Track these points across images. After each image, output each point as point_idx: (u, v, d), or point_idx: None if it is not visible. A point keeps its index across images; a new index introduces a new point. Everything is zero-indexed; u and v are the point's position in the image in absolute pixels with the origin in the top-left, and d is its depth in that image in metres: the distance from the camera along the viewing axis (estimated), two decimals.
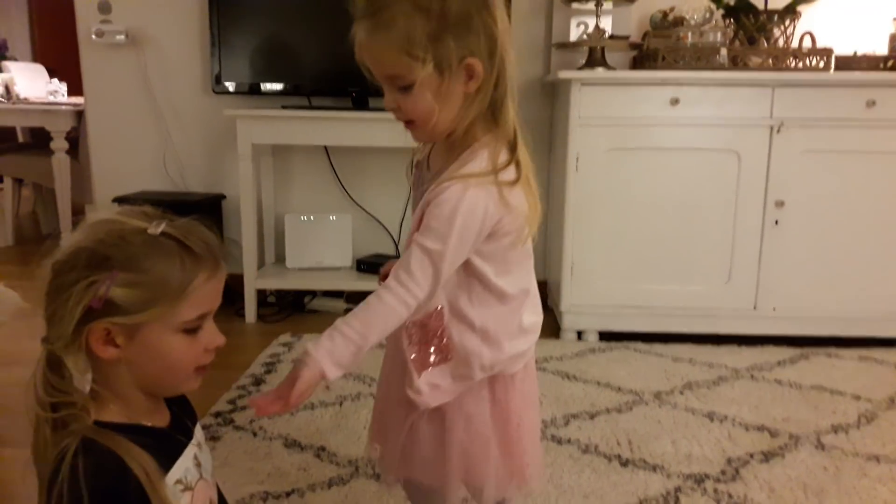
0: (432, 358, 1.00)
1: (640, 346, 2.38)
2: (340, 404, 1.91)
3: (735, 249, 2.37)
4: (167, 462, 0.80)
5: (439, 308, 0.99)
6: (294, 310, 2.77)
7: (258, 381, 2.04)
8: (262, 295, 2.77)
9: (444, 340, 0.99)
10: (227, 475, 1.54)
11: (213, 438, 1.71)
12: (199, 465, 0.87)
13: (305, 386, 0.86)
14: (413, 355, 1.00)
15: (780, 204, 2.32)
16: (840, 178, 2.32)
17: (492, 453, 1.02)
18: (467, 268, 0.97)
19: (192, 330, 0.80)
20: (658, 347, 2.36)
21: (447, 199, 0.90)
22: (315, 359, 0.87)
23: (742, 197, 2.34)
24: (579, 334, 2.47)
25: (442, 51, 0.88)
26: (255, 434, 1.74)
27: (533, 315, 1.05)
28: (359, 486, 1.51)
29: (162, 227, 0.77)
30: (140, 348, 0.77)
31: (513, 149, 0.95)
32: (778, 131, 2.29)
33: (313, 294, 2.81)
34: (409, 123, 0.97)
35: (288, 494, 1.48)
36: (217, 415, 1.83)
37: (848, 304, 2.38)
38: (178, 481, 0.82)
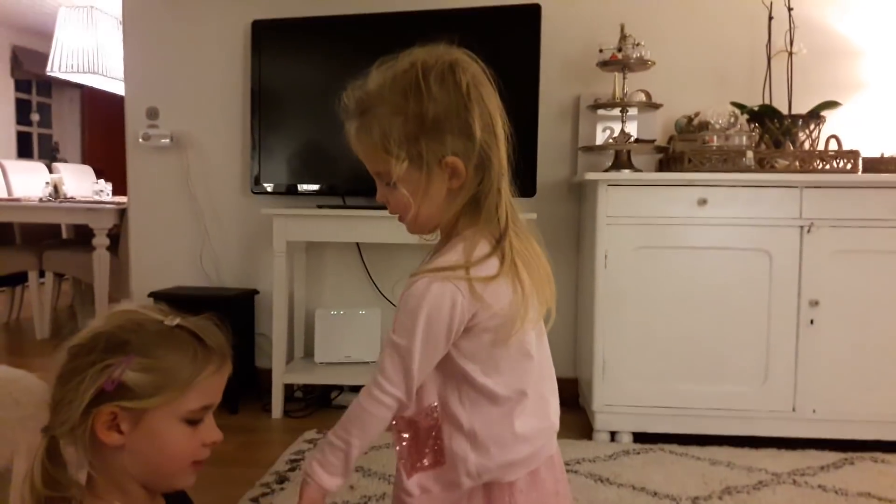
0: (426, 460, 0.98)
1: (676, 448, 2.30)
2: None
3: (770, 349, 2.32)
4: None
5: (434, 406, 0.97)
6: (320, 405, 2.75)
7: (282, 479, 2.00)
8: (289, 390, 2.76)
9: (438, 442, 0.97)
10: None
11: None
12: None
13: (308, 503, 0.92)
14: (402, 454, 0.99)
15: (814, 303, 2.29)
16: (873, 277, 2.29)
17: None
18: (452, 366, 0.95)
19: (193, 422, 0.82)
20: (694, 450, 2.28)
21: (412, 293, 0.93)
22: (310, 475, 0.93)
23: (775, 296, 2.32)
24: (612, 435, 2.40)
25: (417, 150, 0.93)
26: None
27: (533, 420, 0.98)
28: None
29: (177, 321, 0.82)
30: (142, 435, 0.79)
31: (498, 241, 0.95)
32: (808, 231, 2.29)
33: (340, 389, 2.79)
34: (398, 217, 1.01)
35: None
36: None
37: (891, 405, 2.29)
38: None
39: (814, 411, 2.31)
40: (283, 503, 1.84)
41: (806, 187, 2.29)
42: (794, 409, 2.31)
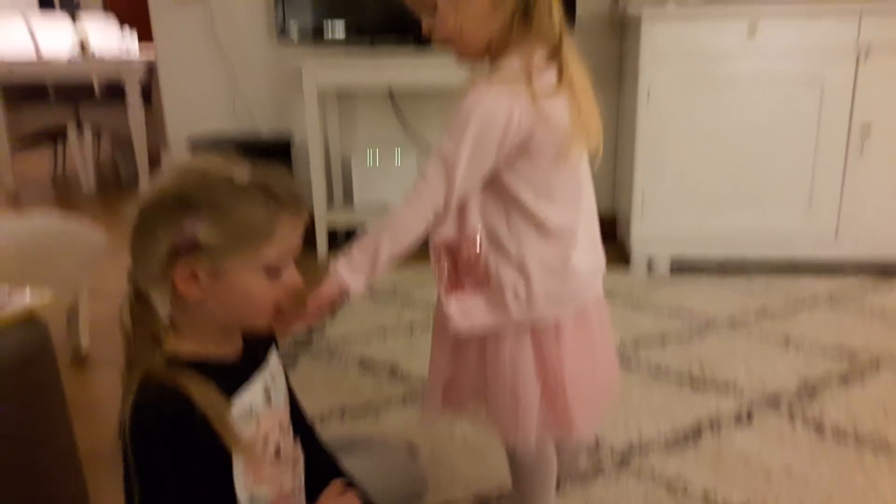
0: (467, 286, 0.97)
1: (714, 274, 2.33)
2: (411, 331, 1.95)
3: (816, 178, 2.28)
4: (234, 391, 0.82)
5: (477, 234, 0.94)
6: None
7: (333, 310, 2.10)
8: (331, 234, 2.83)
9: (481, 269, 0.95)
10: (305, 395, 1.59)
11: (290, 360, 1.78)
12: (268, 395, 0.89)
13: (325, 295, 0.90)
14: (442, 279, 0.98)
15: (866, 130, 2.21)
16: None
17: (535, 402, 0.98)
18: (504, 189, 0.92)
19: (273, 270, 0.81)
20: (732, 277, 2.31)
21: (467, 102, 0.88)
22: (335, 271, 0.91)
23: (824, 126, 2.24)
24: (649, 265, 2.44)
25: None
26: (331, 356, 1.80)
27: (584, 256, 0.96)
28: None
29: (245, 175, 0.79)
30: (223, 287, 0.79)
31: (554, 52, 0.89)
32: (865, 57, 2.17)
33: None
34: (446, 45, 0.95)
35: (364, 410, 1.53)
36: (295, 343, 1.90)
37: None
38: (244, 412, 0.83)
39: (856, 237, 2.29)
40: (335, 330, 1.95)
41: (865, 13, 2.13)
42: (836, 235, 2.30)
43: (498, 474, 1.28)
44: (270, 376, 0.90)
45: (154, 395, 0.76)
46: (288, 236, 0.80)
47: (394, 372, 1.71)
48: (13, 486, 1.06)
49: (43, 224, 1.90)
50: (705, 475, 1.28)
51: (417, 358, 1.78)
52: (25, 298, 1.15)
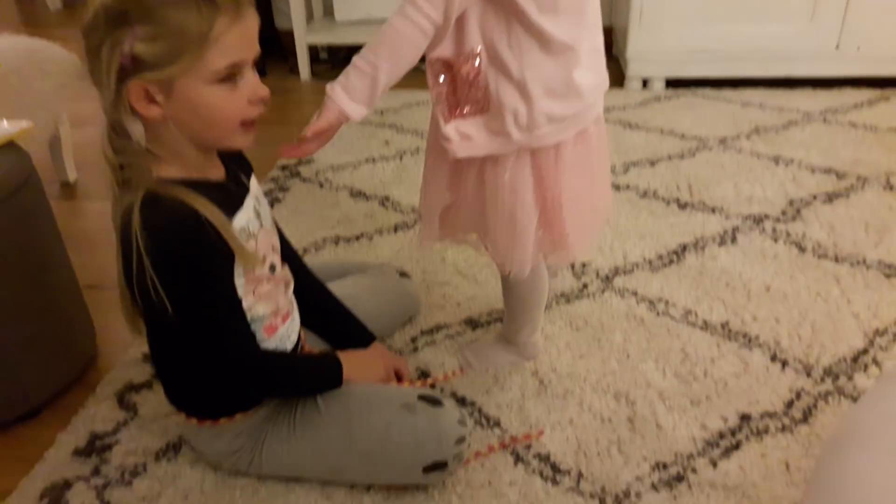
0: (466, 108, 0.93)
1: (709, 92, 2.28)
2: (401, 158, 1.93)
3: None
4: (229, 212, 0.84)
5: (477, 52, 0.89)
6: (346, 65, 2.71)
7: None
8: (313, 52, 2.71)
9: (481, 89, 0.91)
10: (298, 222, 1.63)
11: (281, 189, 1.78)
12: (258, 215, 0.91)
13: (324, 123, 0.86)
14: (440, 99, 0.94)
15: None
16: None
17: (533, 225, 0.99)
18: (506, 2, 0.85)
19: (227, 80, 0.78)
20: (728, 93, 2.26)
21: None
22: (331, 98, 0.86)
23: None
24: (644, 83, 2.37)
25: None
26: (321, 185, 1.80)
27: (588, 74, 0.92)
28: None
29: None
30: (180, 103, 0.78)
31: None
32: None
33: None
34: None
35: (357, 238, 1.56)
36: (284, 168, 1.89)
37: None
38: (242, 229, 0.86)
39: (858, 48, 2.21)
40: (324, 158, 1.93)
41: None
42: (837, 47, 2.21)
43: (488, 298, 1.34)
44: (256, 200, 0.93)
45: (163, 209, 0.78)
46: (233, 41, 0.77)
47: (384, 201, 1.71)
48: (21, 315, 1.10)
49: (11, 47, 1.80)
50: (687, 293, 1.33)
51: (408, 186, 1.78)
52: (3, 127, 1.12)
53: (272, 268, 0.92)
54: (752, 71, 2.27)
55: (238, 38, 0.78)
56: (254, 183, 0.95)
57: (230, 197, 0.86)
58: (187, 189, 0.80)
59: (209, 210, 0.79)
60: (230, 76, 0.79)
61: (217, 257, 0.81)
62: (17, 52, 1.77)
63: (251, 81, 0.81)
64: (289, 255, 1.03)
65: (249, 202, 0.89)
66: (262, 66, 2.62)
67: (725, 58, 2.27)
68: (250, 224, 0.88)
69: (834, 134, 1.95)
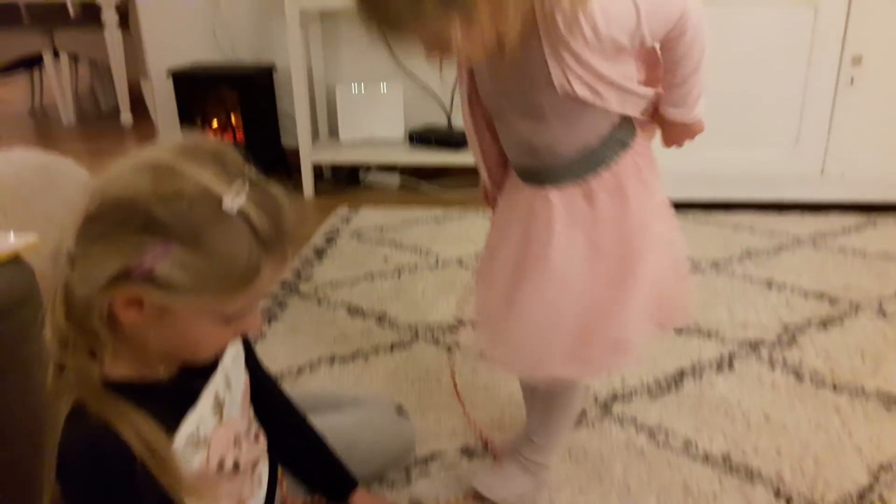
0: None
1: (700, 215, 2.34)
2: (399, 275, 1.96)
3: (805, 110, 2.24)
4: (178, 415, 0.74)
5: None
6: (350, 183, 2.80)
7: (320, 253, 2.10)
8: (317, 169, 2.79)
9: None
10: (294, 340, 1.63)
11: (280, 305, 1.79)
12: (219, 408, 0.80)
13: (695, 134, 1.08)
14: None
15: (857, 60, 2.17)
16: None
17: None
18: None
19: (234, 317, 0.70)
20: (718, 216, 2.32)
21: None
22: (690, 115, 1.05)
23: (816, 54, 2.19)
24: None
25: None
26: (319, 302, 1.82)
27: None
28: (419, 350, 1.58)
29: (240, 202, 0.65)
30: (167, 324, 0.68)
31: None
32: None
33: (368, 168, 2.82)
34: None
35: (353, 357, 1.56)
36: (283, 283, 1.91)
37: None
38: (191, 438, 0.74)
39: (842, 174, 2.29)
40: (323, 274, 1.96)
41: None
42: (822, 172, 2.30)
43: (484, 425, 1.32)
44: (224, 380, 0.81)
45: (86, 435, 0.66)
46: (265, 284, 0.69)
47: (382, 318, 1.72)
48: (11, 430, 1.07)
49: (23, 160, 1.85)
50: (686, 422, 1.32)
51: (405, 303, 1.79)
52: (10, 240, 1.14)
53: (235, 464, 0.81)
54: (740, 194, 2.34)
55: (270, 283, 0.70)
56: (228, 357, 0.83)
57: (183, 394, 0.75)
58: (126, 404, 0.68)
59: (144, 443, 0.67)
60: (237, 316, 0.70)
61: (133, 498, 0.68)
62: (28, 166, 1.81)
63: (254, 316, 0.73)
64: (267, 393, 0.96)
65: (209, 394, 0.78)
66: None
67: (714, 181, 2.34)
68: (202, 426, 0.76)
69: (824, 258, 1.99)
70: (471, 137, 1.06)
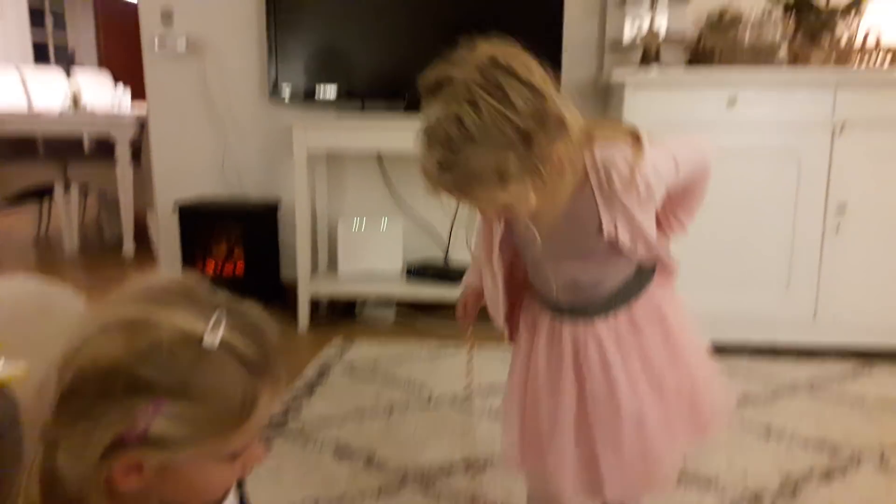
0: None
1: None
2: (390, 413, 1.92)
3: (794, 256, 2.29)
4: None
5: None
6: (345, 316, 2.81)
7: (311, 388, 2.07)
8: (314, 301, 2.81)
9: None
10: (278, 481, 1.57)
11: (265, 443, 1.74)
12: None
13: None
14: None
15: (841, 208, 2.24)
16: None
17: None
18: None
19: (238, 453, 0.66)
20: (713, 360, 2.29)
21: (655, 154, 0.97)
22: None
23: (802, 201, 2.27)
24: None
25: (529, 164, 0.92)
26: (306, 440, 1.77)
27: None
28: (407, 495, 1.52)
29: (220, 335, 0.62)
30: (172, 479, 0.63)
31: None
32: (840, 132, 2.21)
33: (365, 301, 2.84)
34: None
35: (339, 501, 1.50)
36: (271, 420, 1.87)
37: None
38: None
39: (834, 318, 2.30)
40: (313, 409, 1.92)
41: (840, 86, 2.19)
42: (814, 316, 2.31)
43: None
44: None
45: None
46: (265, 411, 0.65)
47: (370, 460, 1.67)
48: None
49: (20, 288, 1.87)
50: None
51: (394, 444, 1.75)
52: None
53: None
54: (734, 336, 2.34)
55: (270, 408, 0.66)
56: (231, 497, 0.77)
57: None
58: None
59: None
60: (241, 452, 0.66)
61: None
62: (26, 293, 1.83)
63: (252, 450, 0.68)
64: None
65: None
66: None
67: (708, 324, 2.33)
68: None
69: (822, 406, 1.96)
70: (493, 280, 1.11)
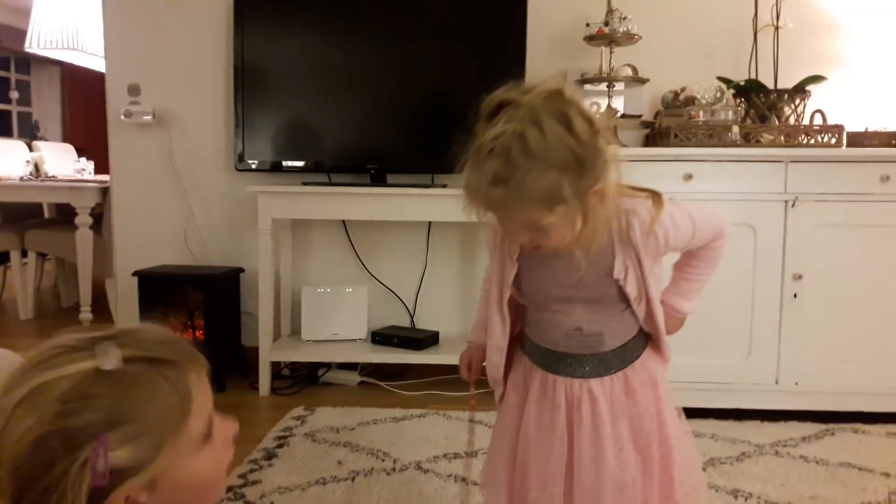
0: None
1: None
2: (353, 480, 1.86)
3: (754, 323, 2.34)
4: None
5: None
6: (308, 382, 2.75)
7: (270, 455, 2.00)
8: (276, 367, 2.76)
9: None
10: None
11: None
12: None
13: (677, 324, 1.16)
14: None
15: (797, 277, 2.31)
16: (857, 251, 2.31)
17: None
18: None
19: (206, 436, 0.70)
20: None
21: (676, 210, 1.06)
22: (671, 305, 1.16)
23: (759, 270, 2.34)
24: None
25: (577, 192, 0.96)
26: None
27: None
28: None
29: (115, 357, 0.63)
30: (169, 490, 0.65)
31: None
32: (793, 206, 2.30)
33: (328, 367, 2.79)
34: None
35: None
36: (228, 489, 1.79)
37: (873, 377, 2.33)
38: None
39: (796, 384, 2.34)
40: (272, 478, 1.85)
41: (791, 161, 2.29)
42: (776, 382, 2.34)
43: None
44: None
45: None
46: (203, 395, 0.69)
47: None
48: None
49: None
50: None
51: None
52: None
53: None
54: (699, 402, 2.34)
55: (205, 390, 0.70)
56: None
57: None
58: None
59: None
60: (208, 432, 0.70)
61: None
62: None
63: (220, 424, 0.72)
64: None
65: None
66: (221, 382, 2.63)
67: (672, 388, 2.36)
68: None
69: (788, 468, 1.96)
70: (502, 322, 1.11)
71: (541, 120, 0.89)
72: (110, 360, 0.62)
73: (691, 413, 2.27)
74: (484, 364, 1.19)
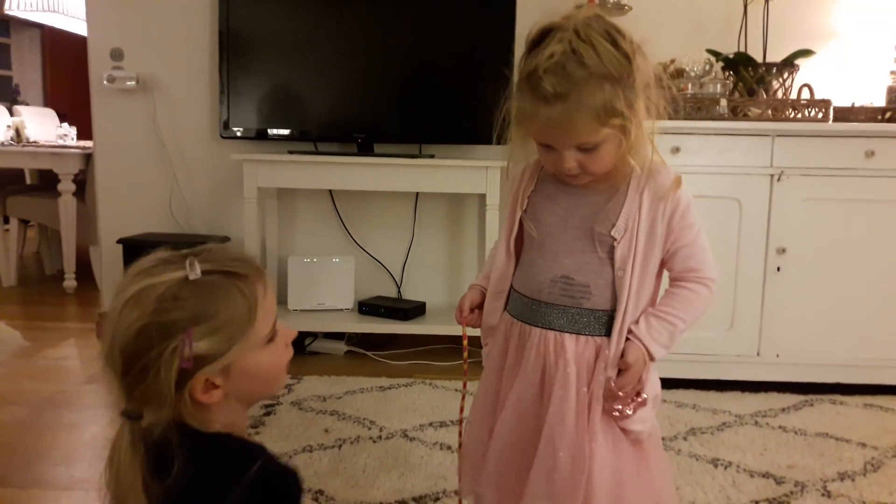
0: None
1: None
2: (339, 447, 1.88)
3: (737, 296, 2.37)
4: None
5: None
6: (294, 351, 2.75)
7: (257, 424, 2.02)
8: None
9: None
10: None
11: None
12: None
13: (633, 365, 1.04)
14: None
15: (781, 251, 2.34)
16: (841, 225, 2.33)
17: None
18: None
19: (271, 337, 0.85)
20: (661, 394, 2.33)
21: (681, 196, 1.07)
22: (639, 338, 1.04)
23: (744, 244, 2.36)
24: None
25: (627, 106, 0.99)
26: None
27: None
28: None
29: (198, 269, 0.79)
30: (239, 378, 0.81)
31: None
32: (778, 180, 2.32)
33: (314, 336, 2.80)
34: (584, 177, 1.05)
35: None
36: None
37: (852, 350, 2.37)
38: None
39: (777, 356, 2.37)
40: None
41: (777, 136, 2.30)
42: (758, 354, 2.38)
43: None
44: None
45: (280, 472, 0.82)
46: (269, 303, 0.84)
47: (319, 496, 1.63)
48: None
49: None
50: None
51: (344, 478, 1.71)
52: None
53: None
54: (681, 373, 2.38)
55: (270, 300, 0.85)
56: None
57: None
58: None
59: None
60: (272, 335, 0.85)
61: None
62: None
63: (282, 330, 0.88)
64: None
65: None
66: None
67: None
68: None
69: (766, 437, 2.00)
70: (503, 263, 1.14)
71: (591, 37, 0.95)
72: (195, 271, 0.78)
73: (674, 383, 2.35)
74: (478, 309, 1.19)
